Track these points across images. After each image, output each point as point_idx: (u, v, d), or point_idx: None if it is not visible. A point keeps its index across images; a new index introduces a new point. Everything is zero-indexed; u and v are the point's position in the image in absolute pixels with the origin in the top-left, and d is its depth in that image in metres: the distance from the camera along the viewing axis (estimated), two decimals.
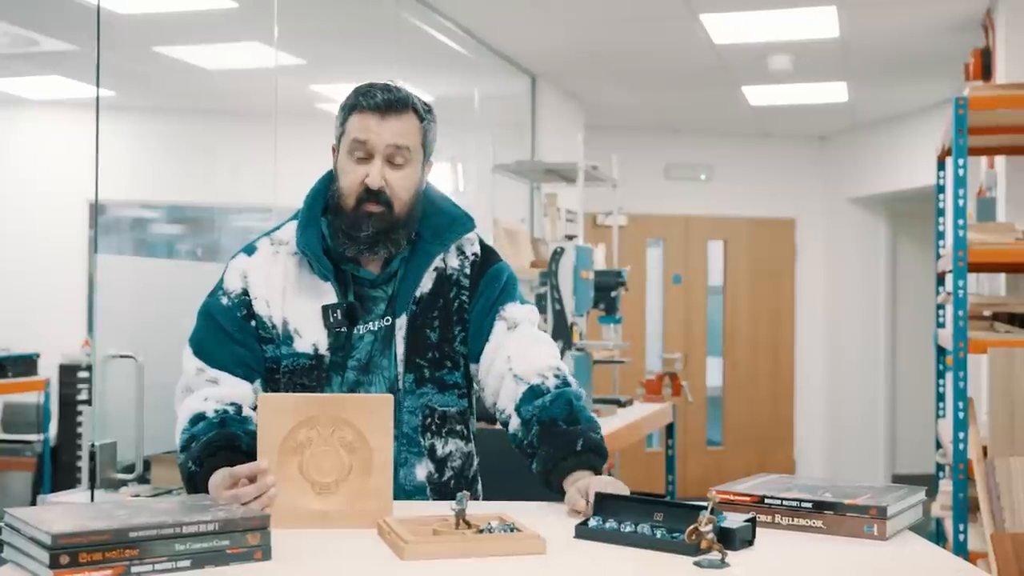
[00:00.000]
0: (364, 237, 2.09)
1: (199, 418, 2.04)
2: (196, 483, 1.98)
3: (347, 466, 1.85)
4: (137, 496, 3.00)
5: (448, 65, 6.17)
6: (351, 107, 2.12)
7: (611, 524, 1.76)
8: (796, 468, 9.07)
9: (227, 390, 2.08)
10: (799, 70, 6.65)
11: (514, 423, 2.12)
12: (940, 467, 4.90)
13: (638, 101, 7.87)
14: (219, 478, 1.87)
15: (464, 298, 2.20)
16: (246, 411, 2.07)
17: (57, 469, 6.79)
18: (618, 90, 7.47)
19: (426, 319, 2.15)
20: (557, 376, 2.14)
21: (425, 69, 6.14)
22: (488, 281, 2.22)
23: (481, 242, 2.27)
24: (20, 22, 5.51)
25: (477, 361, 2.19)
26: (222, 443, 1.98)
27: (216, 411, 2.04)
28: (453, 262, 2.21)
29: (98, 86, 3.34)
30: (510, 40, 6.25)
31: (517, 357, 2.15)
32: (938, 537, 4.65)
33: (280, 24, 4.19)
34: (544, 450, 2.06)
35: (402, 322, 2.14)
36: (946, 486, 4.18)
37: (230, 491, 1.81)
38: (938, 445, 4.81)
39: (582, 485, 1.95)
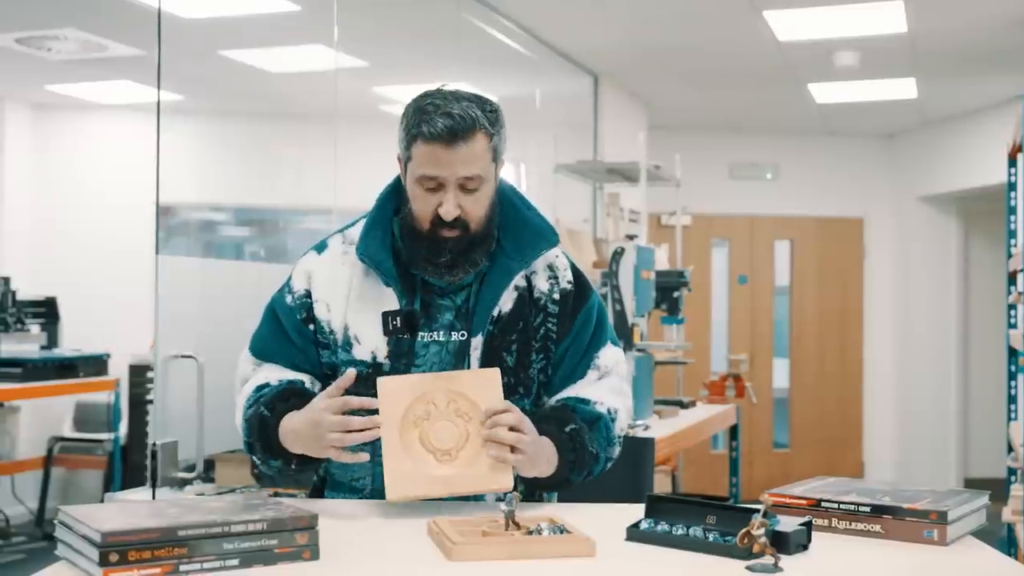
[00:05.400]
0: (444, 262, 2.02)
1: (263, 387, 2.07)
2: (267, 429, 2.00)
3: (465, 434, 1.90)
4: (201, 495, 3.03)
5: (509, 65, 6.17)
6: (414, 135, 1.99)
7: (663, 527, 1.73)
8: (865, 471, 8.92)
9: (284, 374, 2.11)
10: (866, 67, 6.54)
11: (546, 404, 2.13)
12: (1012, 471, 4.78)
13: (701, 100, 7.80)
14: (325, 396, 1.91)
15: (551, 326, 2.10)
16: (308, 387, 2.09)
17: (127, 467, 6.91)
18: (681, 89, 7.41)
19: (504, 341, 2.06)
20: (610, 412, 2.10)
21: (486, 69, 6.14)
22: (583, 322, 2.13)
23: (573, 268, 2.17)
24: (89, 28, 5.61)
25: (553, 395, 2.14)
26: (295, 392, 2.04)
27: (280, 380, 2.08)
28: (542, 284, 2.11)
29: (159, 88, 3.39)
30: (571, 40, 6.23)
31: (588, 396, 2.11)
32: (1009, 543, 4.54)
33: (340, 26, 4.21)
34: (543, 411, 2.07)
35: (478, 342, 2.05)
36: (1017, 491, 4.07)
37: (339, 416, 1.86)
38: (1009, 448, 4.69)
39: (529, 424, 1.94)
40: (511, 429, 1.88)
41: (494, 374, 1.93)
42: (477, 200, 2.01)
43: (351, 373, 1.93)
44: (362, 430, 1.87)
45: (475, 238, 2.03)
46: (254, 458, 2.08)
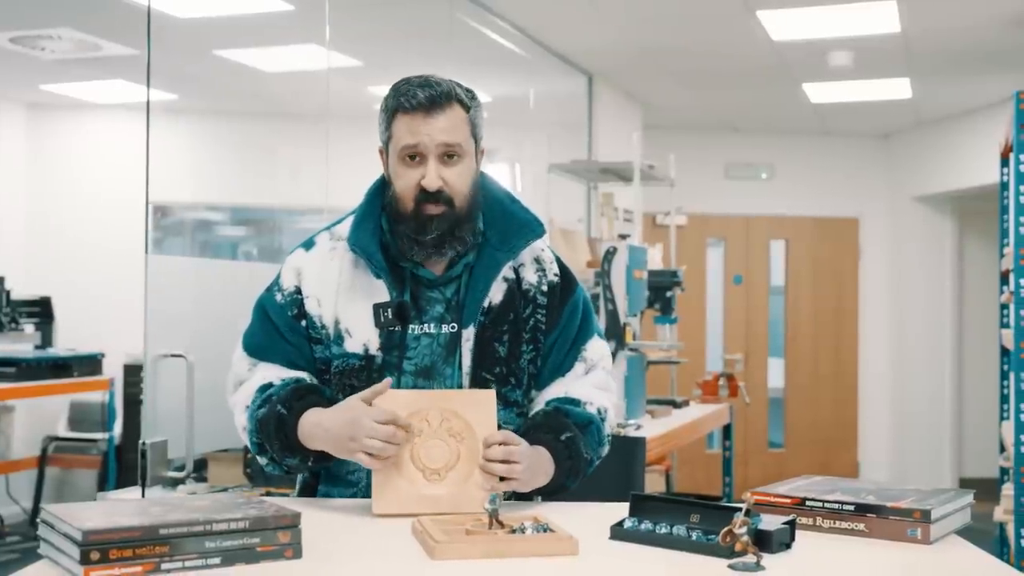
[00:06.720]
0: (431, 240, 2.03)
1: (267, 386, 2.06)
2: (285, 427, 2.00)
3: (456, 454, 1.92)
4: (193, 494, 3.03)
5: (503, 65, 6.17)
6: (394, 109, 2.05)
7: (646, 525, 1.74)
8: (860, 471, 8.93)
9: (283, 372, 2.10)
10: (860, 66, 6.55)
11: (535, 408, 2.13)
12: (1004, 471, 4.78)
13: (696, 100, 7.80)
14: (360, 399, 1.92)
15: (540, 318, 2.13)
16: (309, 382, 2.09)
17: (122, 467, 6.91)
18: (676, 89, 7.41)
19: (495, 332, 2.09)
20: (600, 412, 2.13)
21: (480, 69, 6.14)
22: (570, 313, 2.16)
23: (558, 261, 2.20)
24: (83, 27, 5.60)
25: (541, 389, 2.16)
26: (308, 389, 2.04)
27: (283, 379, 2.07)
28: (530, 276, 2.14)
29: (148, 87, 3.39)
30: (566, 39, 6.23)
31: (577, 395, 2.14)
32: (1002, 543, 4.54)
33: (333, 26, 4.21)
34: (537, 418, 2.08)
35: (469, 333, 2.07)
36: (1008, 490, 4.08)
37: (382, 426, 1.86)
38: (1002, 448, 4.70)
39: (523, 449, 1.93)
40: (504, 460, 1.89)
41: (488, 396, 1.96)
42: (459, 175, 2.04)
43: (388, 382, 1.95)
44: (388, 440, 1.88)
45: (460, 217, 2.05)
46: (263, 459, 2.07)
